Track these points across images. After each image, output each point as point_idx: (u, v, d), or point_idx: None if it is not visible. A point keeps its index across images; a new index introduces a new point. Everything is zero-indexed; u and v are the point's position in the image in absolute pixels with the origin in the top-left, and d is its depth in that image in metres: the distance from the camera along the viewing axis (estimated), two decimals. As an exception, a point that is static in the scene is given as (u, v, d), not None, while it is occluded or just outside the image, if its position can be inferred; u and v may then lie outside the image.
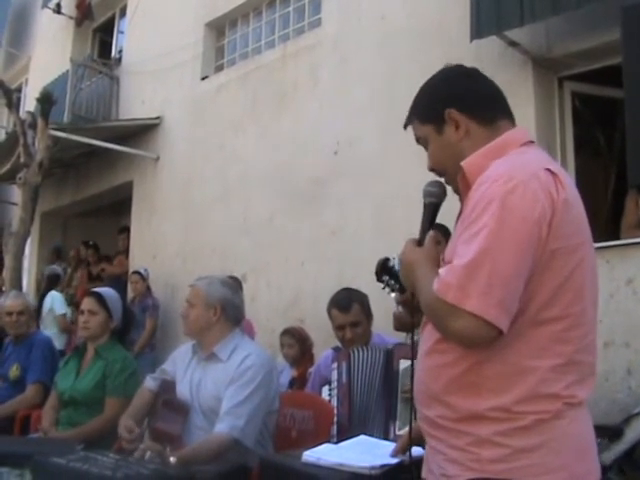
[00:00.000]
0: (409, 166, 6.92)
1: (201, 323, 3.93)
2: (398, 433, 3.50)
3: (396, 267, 2.89)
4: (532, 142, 2.23)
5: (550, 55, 6.40)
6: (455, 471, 2.04)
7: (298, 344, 6.82)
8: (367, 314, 4.45)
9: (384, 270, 2.94)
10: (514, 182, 1.96)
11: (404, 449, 2.84)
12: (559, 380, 2.00)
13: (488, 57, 6.62)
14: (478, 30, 6.22)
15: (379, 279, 3.36)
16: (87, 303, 4.79)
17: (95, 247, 12.10)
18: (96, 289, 5.14)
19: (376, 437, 3.44)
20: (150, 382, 4.16)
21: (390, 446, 3.01)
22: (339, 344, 4.53)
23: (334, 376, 3.97)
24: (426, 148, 2.33)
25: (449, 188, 2.32)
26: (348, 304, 4.36)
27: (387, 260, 2.88)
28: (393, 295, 3.11)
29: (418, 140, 2.37)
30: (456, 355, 2.03)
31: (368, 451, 3.04)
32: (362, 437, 3.33)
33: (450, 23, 7.04)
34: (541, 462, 1.96)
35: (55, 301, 9.60)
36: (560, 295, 2.00)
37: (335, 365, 4.00)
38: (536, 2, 5.78)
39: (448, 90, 2.31)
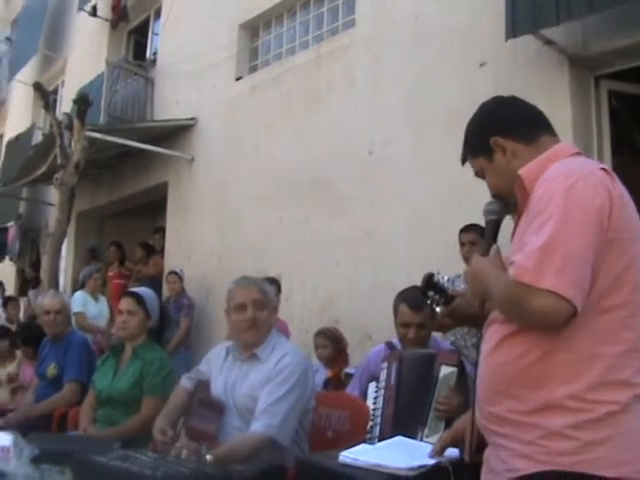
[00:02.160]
0: (443, 166, 6.90)
1: (270, 326, 3.94)
2: (425, 440, 3.48)
3: (441, 282, 2.90)
4: (579, 153, 2.36)
5: (586, 53, 6.34)
6: (523, 465, 2.09)
7: (332, 345, 6.80)
8: (433, 318, 4.38)
9: (429, 285, 2.95)
10: (574, 178, 2.10)
11: (443, 450, 2.84)
12: (627, 366, 2.08)
13: (523, 56, 6.58)
14: (513, 29, 6.16)
15: (424, 295, 3.37)
16: (126, 303, 4.81)
17: (118, 246, 12.13)
18: (134, 289, 5.16)
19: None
20: (186, 382, 4.18)
21: (427, 447, 3.00)
22: (373, 343, 4.50)
23: (383, 376, 3.94)
24: (484, 178, 2.49)
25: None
26: (420, 304, 4.21)
27: (432, 275, 2.88)
28: (438, 309, 3.12)
29: (476, 174, 2.52)
30: (525, 347, 2.12)
31: (405, 452, 3.03)
32: (399, 438, 3.32)
33: (484, 22, 7.00)
34: (609, 455, 2.02)
35: (74, 300, 9.63)
36: (619, 285, 2.10)
37: (385, 365, 3.97)
38: (572, 0, 5.73)
39: (489, 121, 2.48)
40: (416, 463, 2.83)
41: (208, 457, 3.11)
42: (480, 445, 2.36)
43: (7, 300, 10.80)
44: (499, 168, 2.40)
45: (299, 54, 9.75)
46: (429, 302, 3.82)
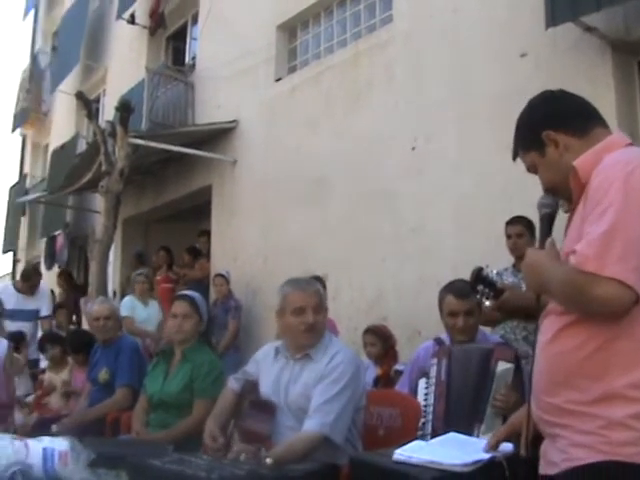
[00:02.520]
0: (488, 158, 6.86)
1: (324, 327, 3.94)
2: (482, 437, 3.45)
3: (490, 275, 2.89)
4: (632, 144, 2.34)
5: (629, 38, 6.25)
6: (582, 454, 2.08)
7: (380, 342, 6.79)
8: (480, 308, 4.38)
9: (478, 279, 2.93)
10: (632, 165, 2.10)
11: (497, 445, 2.82)
12: None
13: (564, 44, 6.52)
14: (553, 17, 6.10)
15: (473, 289, 3.34)
16: (181, 307, 4.81)
17: (167, 250, 12.20)
18: (184, 292, 5.18)
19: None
20: (233, 383, 4.17)
21: (481, 443, 2.98)
22: (422, 339, 4.48)
23: (433, 372, 3.93)
24: (536, 173, 2.48)
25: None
26: (466, 292, 4.24)
27: (481, 269, 2.87)
28: (487, 303, 3.10)
29: (528, 169, 2.52)
30: (584, 337, 2.12)
31: (459, 448, 3.01)
32: (452, 434, 3.30)
33: (523, 12, 6.93)
34: None
35: (122, 305, 9.68)
36: None
37: (435, 360, 3.96)
38: (612, -14, 5.67)
39: (539, 115, 2.47)
40: (470, 459, 2.80)
41: (268, 460, 3.12)
42: (535, 439, 2.35)
43: (57, 307, 10.91)
44: (551, 162, 2.38)
45: (337, 52, 9.75)
46: (479, 296, 3.82)
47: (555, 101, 2.49)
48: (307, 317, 3.82)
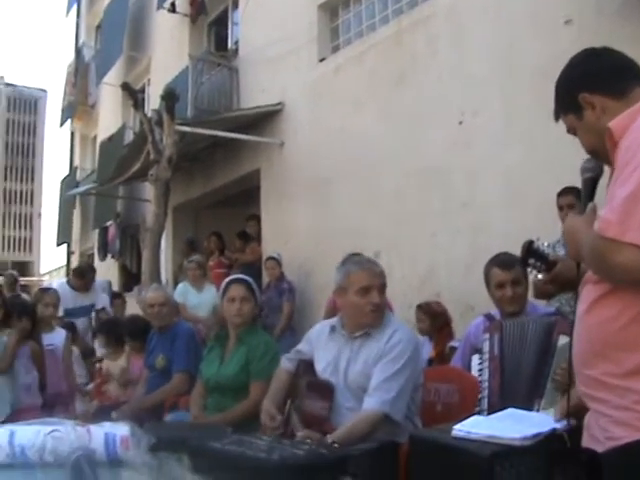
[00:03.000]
0: (536, 130, 6.77)
1: (385, 307, 3.92)
2: (542, 412, 3.41)
3: (541, 248, 2.85)
4: None
5: (677, 0, 6.13)
6: (622, 433, 2.01)
7: (429, 319, 6.79)
8: (526, 278, 4.36)
9: (529, 253, 2.90)
10: None
11: (564, 414, 2.77)
12: None
13: (609, 9, 6.41)
14: (598, -19, 6.00)
15: (525, 262, 3.33)
16: (239, 290, 4.80)
17: (218, 236, 12.28)
18: (239, 276, 5.20)
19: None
20: (287, 363, 4.19)
21: (540, 417, 2.96)
22: (475, 314, 4.46)
23: (485, 347, 3.90)
24: (575, 135, 2.41)
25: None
26: (510, 262, 4.28)
27: (532, 242, 2.84)
28: (540, 276, 3.06)
29: (568, 130, 2.44)
30: (618, 308, 2.04)
31: (518, 422, 2.99)
32: (510, 409, 3.27)
33: (568, -22, 6.83)
34: None
35: (176, 291, 9.73)
36: None
37: (487, 336, 3.93)
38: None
39: (576, 76, 2.38)
40: (530, 432, 2.78)
41: (335, 445, 3.12)
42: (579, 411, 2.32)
43: (113, 297, 11.06)
44: (589, 125, 2.30)
45: (380, 30, 9.69)
46: (530, 270, 3.78)
47: (593, 61, 2.40)
48: (373, 297, 3.81)
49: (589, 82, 2.31)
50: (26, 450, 2.15)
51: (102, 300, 9.65)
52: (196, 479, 2.09)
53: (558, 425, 2.81)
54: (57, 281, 9.68)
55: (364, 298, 3.82)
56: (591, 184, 2.40)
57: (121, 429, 2.16)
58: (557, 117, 2.48)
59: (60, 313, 8.46)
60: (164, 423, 4.99)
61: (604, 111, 2.26)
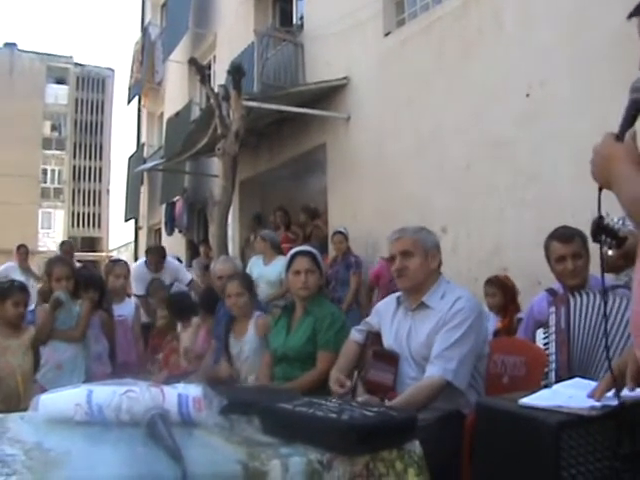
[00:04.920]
0: (607, 101, 6.64)
1: (424, 272, 3.88)
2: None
3: (611, 224, 2.80)
4: None
5: None
6: None
7: (500, 293, 6.75)
8: (586, 250, 4.33)
9: (599, 229, 2.86)
10: None
11: (604, 391, 2.72)
12: None
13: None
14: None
15: (596, 239, 3.31)
16: (304, 263, 4.82)
17: (284, 211, 12.34)
18: (305, 248, 5.23)
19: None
20: (356, 334, 4.21)
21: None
22: (543, 289, 4.44)
23: (551, 320, 3.87)
24: None
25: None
26: (570, 235, 4.29)
27: (601, 218, 2.79)
28: (610, 252, 3.02)
29: None
30: None
31: (585, 392, 2.97)
32: (577, 379, 3.25)
33: None
34: None
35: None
36: None
37: (553, 309, 3.91)
38: None
39: None
40: (599, 403, 2.76)
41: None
42: None
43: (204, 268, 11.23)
44: None
45: (446, 2, 9.59)
46: (601, 247, 3.73)
47: None
48: (395, 264, 3.88)
49: None
50: (103, 409, 2.21)
51: (184, 274, 9.72)
52: (267, 440, 2.13)
53: (628, 393, 2.78)
54: (137, 266, 9.76)
55: (392, 266, 3.93)
56: (636, 107, 2.12)
57: (194, 390, 2.21)
58: (631, 15, 2.23)
59: (141, 291, 8.67)
60: (234, 386, 5.06)
61: None
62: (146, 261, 9.42)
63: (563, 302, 3.85)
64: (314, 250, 5.05)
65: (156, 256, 9.50)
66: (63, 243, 14.31)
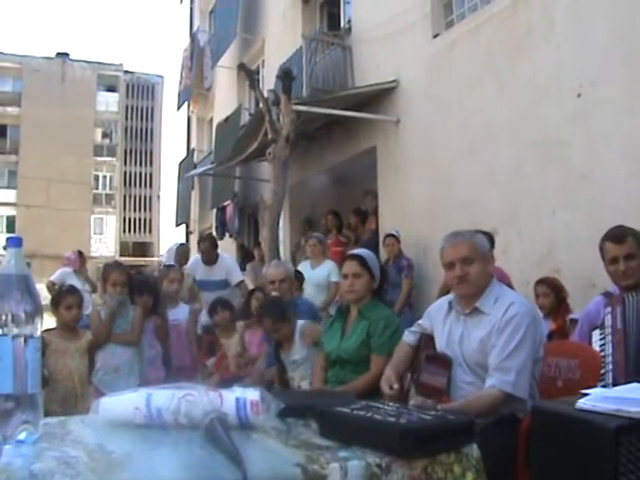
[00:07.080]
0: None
1: (483, 278, 3.84)
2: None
3: None
4: None
5: None
6: None
7: (553, 293, 6.71)
8: None
9: None
10: None
11: None
12: None
13: None
14: None
15: None
16: (350, 267, 4.84)
17: (335, 214, 12.34)
18: (355, 251, 5.24)
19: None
20: (409, 336, 4.21)
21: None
22: (597, 291, 4.40)
23: (608, 321, 3.85)
24: None
25: None
26: (622, 236, 4.25)
27: None
28: None
29: None
30: None
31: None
32: (636, 384, 3.21)
33: None
34: None
35: None
36: None
37: (609, 310, 3.88)
38: None
39: None
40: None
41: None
42: None
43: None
44: None
45: (494, 2, 9.54)
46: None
47: None
48: (456, 270, 3.82)
49: None
50: (162, 412, 2.24)
51: (231, 275, 9.78)
52: (325, 443, 2.14)
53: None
54: (193, 257, 9.91)
55: (450, 272, 3.86)
56: None
57: (251, 394, 2.23)
58: None
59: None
60: (291, 390, 5.09)
61: None
62: (202, 256, 9.55)
63: (619, 302, 3.83)
64: (364, 253, 5.05)
65: (207, 243, 9.62)
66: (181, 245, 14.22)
